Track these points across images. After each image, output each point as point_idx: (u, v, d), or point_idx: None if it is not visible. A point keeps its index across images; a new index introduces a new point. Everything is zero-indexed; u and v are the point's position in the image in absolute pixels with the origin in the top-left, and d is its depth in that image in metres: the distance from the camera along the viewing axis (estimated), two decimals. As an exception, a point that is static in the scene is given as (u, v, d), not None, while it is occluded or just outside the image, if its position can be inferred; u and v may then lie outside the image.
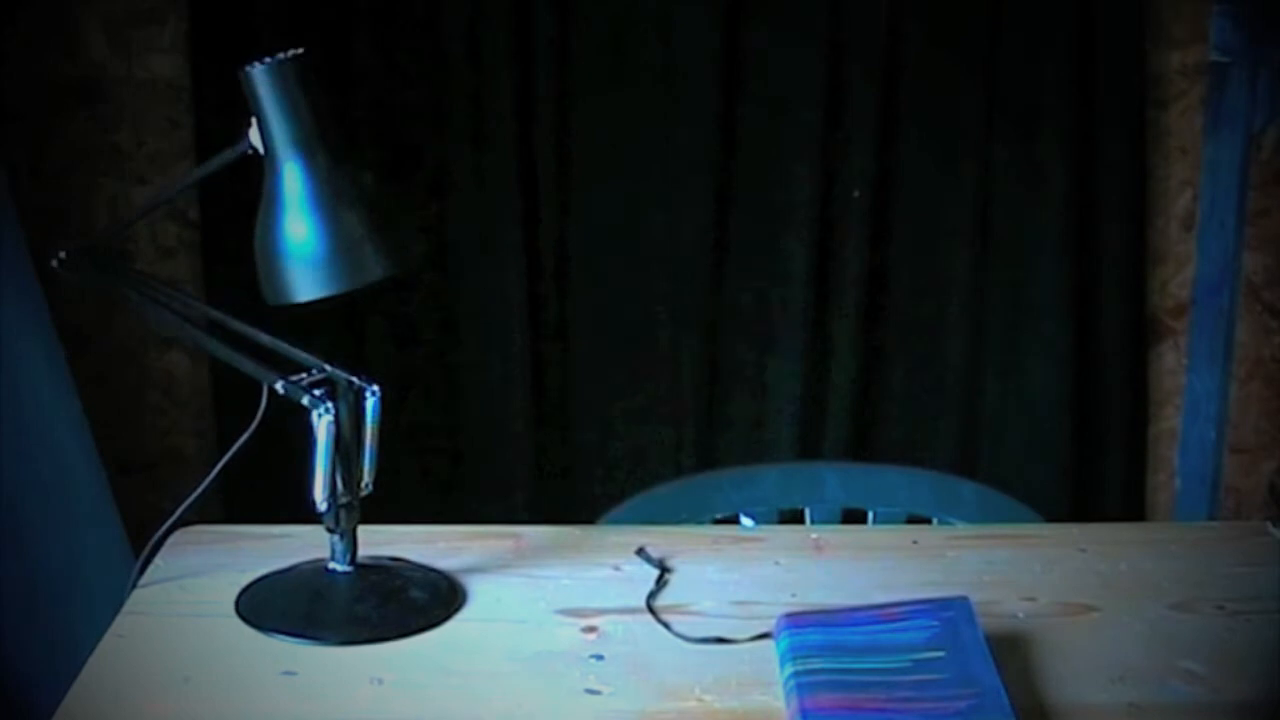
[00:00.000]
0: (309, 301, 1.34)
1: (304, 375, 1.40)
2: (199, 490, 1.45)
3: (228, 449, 1.44)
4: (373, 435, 1.44)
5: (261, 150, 1.34)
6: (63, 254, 1.40)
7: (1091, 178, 2.51)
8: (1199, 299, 2.64)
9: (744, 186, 2.51)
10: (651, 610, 1.43)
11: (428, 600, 1.44)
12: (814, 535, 1.63)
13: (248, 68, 1.31)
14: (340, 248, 1.34)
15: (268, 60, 1.31)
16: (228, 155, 1.37)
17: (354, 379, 1.42)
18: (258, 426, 1.40)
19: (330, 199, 1.34)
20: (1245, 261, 2.61)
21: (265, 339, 1.44)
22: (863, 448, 2.59)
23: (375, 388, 1.43)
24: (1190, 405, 2.68)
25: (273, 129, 1.33)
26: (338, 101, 2.42)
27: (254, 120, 1.33)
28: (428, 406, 2.54)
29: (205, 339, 1.44)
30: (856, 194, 2.50)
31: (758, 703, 1.28)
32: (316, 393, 1.38)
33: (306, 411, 1.38)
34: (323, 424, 1.37)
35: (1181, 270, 2.63)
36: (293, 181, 1.34)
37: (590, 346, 2.56)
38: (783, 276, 2.53)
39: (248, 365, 1.39)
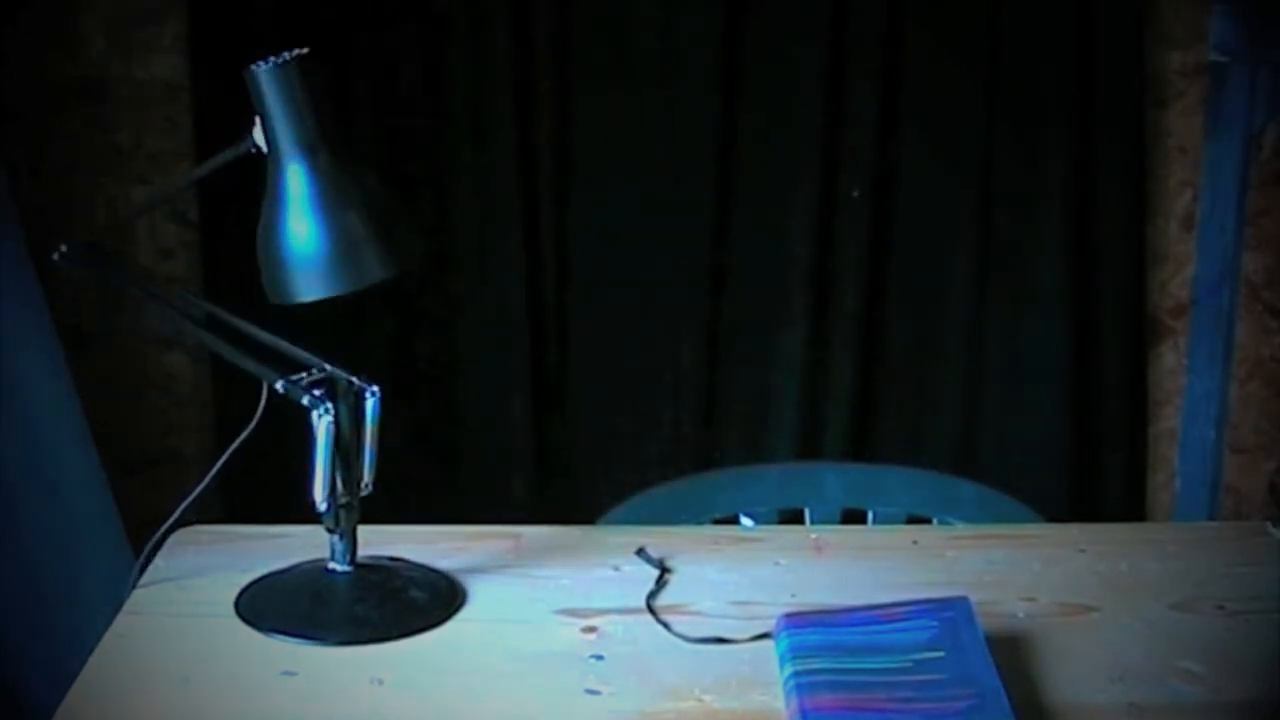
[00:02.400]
0: (310, 302, 1.34)
1: (304, 375, 1.40)
2: (198, 489, 1.45)
3: (228, 449, 1.44)
4: (372, 435, 1.44)
5: (265, 149, 1.34)
6: (64, 247, 1.40)
7: (1091, 178, 2.51)
8: (1199, 299, 2.64)
9: (744, 186, 2.51)
10: (651, 610, 1.43)
11: (428, 600, 1.44)
12: (814, 535, 1.63)
13: (252, 67, 1.31)
14: (342, 248, 1.34)
15: (272, 60, 1.31)
16: (231, 153, 1.37)
17: (354, 379, 1.42)
18: (257, 426, 1.40)
19: (333, 199, 1.34)
20: (1245, 261, 2.61)
21: (265, 337, 1.44)
22: (863, 448, 2.59)
23: (375, 388, 1.43)
24: (1190, 405, 2.68)
25: (276, 128, 1.33)
26: (340, 101, 2.42)
27: (257, 119, 1.33)
28: (427, 406, 2.54)
29: (205, 336, 1.44)
30: (856, 194, 2.50)
31: (758, 703, 1.28)
32: (316, 393, 1.38)
33: (306, 411, 1.38)
34: (322, 424, 1.37)
35: (1181, 270, 2.63)
36: (296, 181, 1.34)
37: (590, 346, 2.56)
38: (783, 276, 2.53)
39: (247, 363, 1.39)
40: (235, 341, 1.42)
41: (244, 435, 1.39)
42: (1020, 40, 2.46)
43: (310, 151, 1.33)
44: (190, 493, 1.46)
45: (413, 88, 2.44)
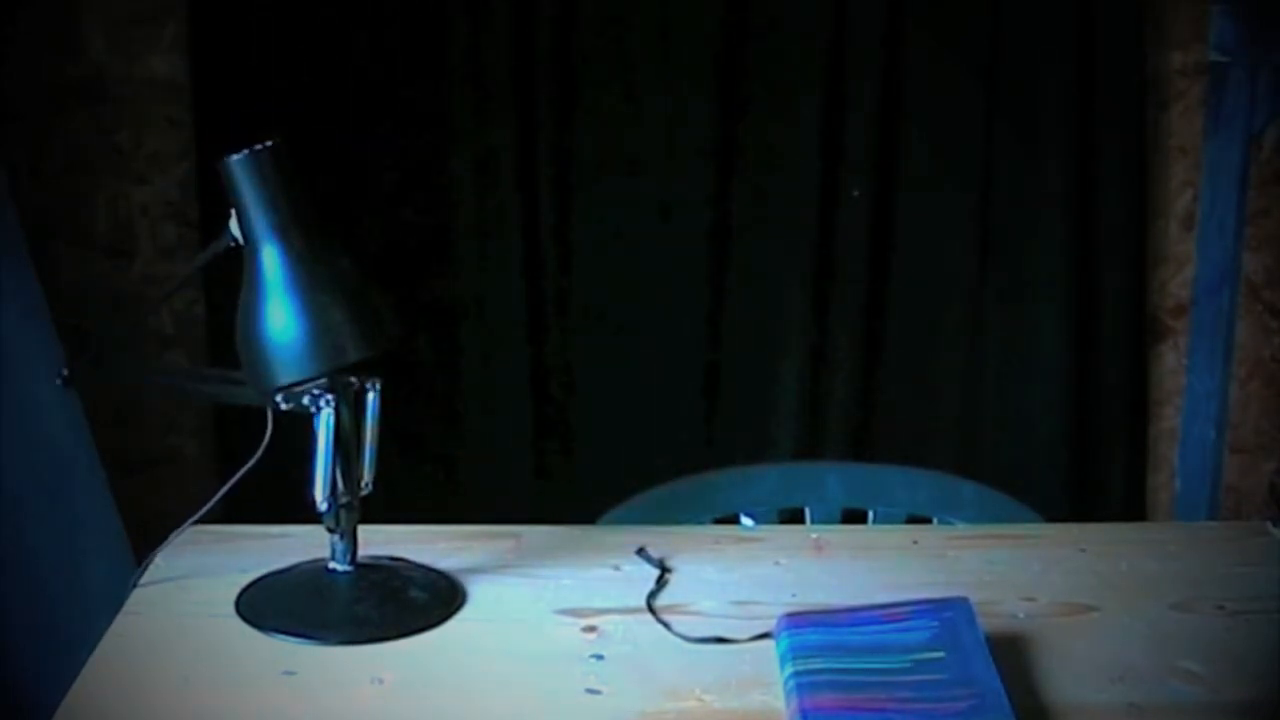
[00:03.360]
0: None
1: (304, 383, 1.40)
2: (206, 508, 1.45)
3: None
4: (373, 433, 1.44)
5: (242, 241, 1.37)
6: (65, 372, 1.45)
7: (1091, 178, 2.52)
8: (1199, 299, 2.64)
9: (743, 186, 2.51)
10: (652, 610, 1.43)
11: (428, 600, 1.44)
12: (814, 535, 1.63)
13: (226, 159, 1.35)
14: (319, 331, 1.36)
15: (244, 151, 1.34)
16: (213, 248, 1.41)
17: (354, 380, 1.42)
18: (258, 427, 1.40)
19: (308, 284, 1.36)
20: (1245, 261, 2.61)
21: None
22: (863, 448, 2.59)
23: (375, 380, 1.43)
24: (1190, 405, 2.68)
25: (251, 216, 1.37)
26: (339, 101, 2.42)
27: (233, 213, 1.37)
28: (427, 407, 2.54)
29: (212, 393, 1.44)
30: (856, 194, 2.50)
31: (758, 703, 1.28)
32: (316, 390, 1.38)
33: (307, 414, 1.38)
34: (324, 418, 1.37)
35: (1181, 270, 2.64)
36: (271, 267, 1.36)
37: (590, 345, 2.56)
38: (783, 276, 2.53)
39: (252, 397, 1.40)
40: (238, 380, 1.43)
41: (254, 460, 1.39)
42: (1020, 40, 2.46)
43: (284, 236, 1.36)
44: (195, 499, 1.46)
45: (412, 88, 2.44)
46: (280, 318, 1.36)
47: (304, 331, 1.35)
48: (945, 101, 2.49)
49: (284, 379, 1.36)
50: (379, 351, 1.37)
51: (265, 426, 1.40)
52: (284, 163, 1.36)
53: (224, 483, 1.45)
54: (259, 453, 1.39)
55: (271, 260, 1.36)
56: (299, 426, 1.39)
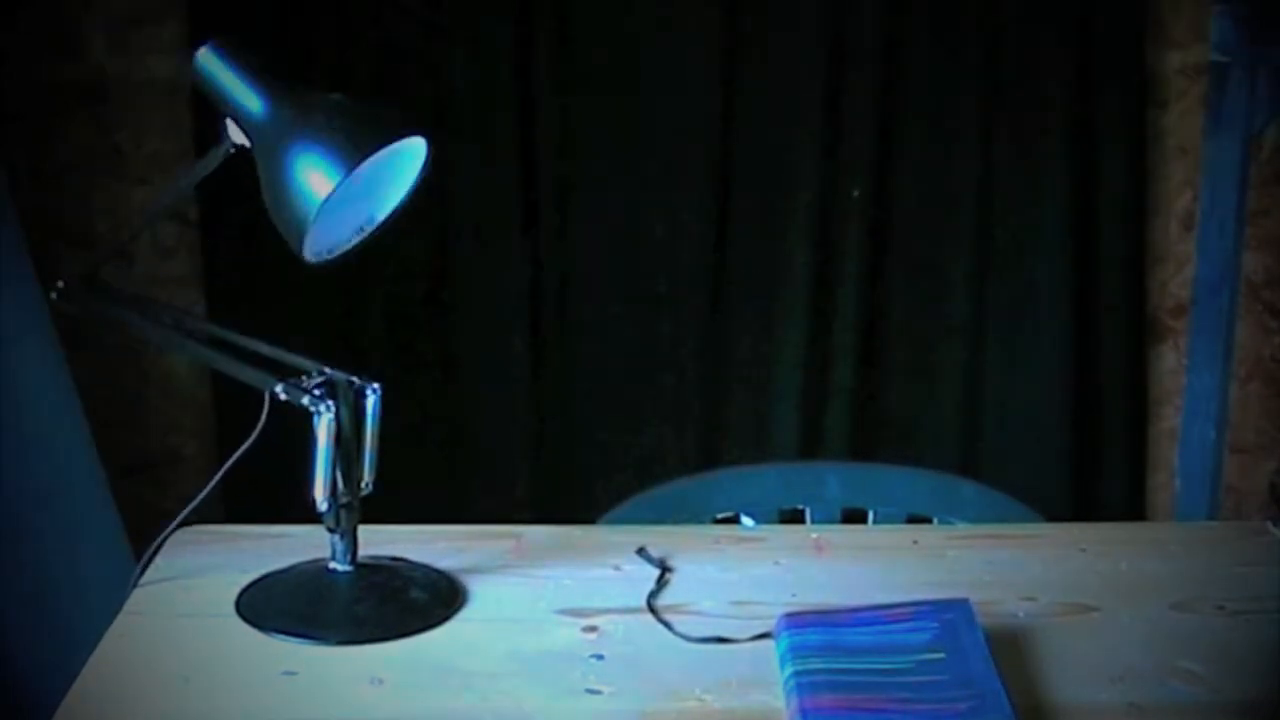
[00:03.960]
0: (331, 201, 1.32)
1: (304, 378, 1.40)
2: (200, 496, 1.45)
3: (227, 449, 1.44)
4: (373, 434, 1.44)
5: (245, 142, 1.35)
6: (60, 283, 1.42)
7: (1091, 178, 2.52)
8: (1199, 299, 2.64)
9: (744, 186, 2.51)
10: (652, 610, 1.43)
11: (428, 600, 1.44)
12: (814, 535, 1.63)
13: (199, 55, 1.36)
14: (339, 128, 1.34)
15: (209, 43, 1.38)
16: (214, 157, 1.38)
17: (354, 379, 1.42)
18: (258, 430, 1.40)
19: (313, 110, 1.35)
20: (1245, 261, 2.61)
21: (265, 349, 1.45)
22: (863, 448, 2.59)
23: (376, 385, 1.43)
24: (1190, 405, 2.68)
25: (234, 98, 1.35)
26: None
27: (227, 120, 1.35)
28: (427, 406, 2.54)
29: (206, 353, 1.44)
30: (856, 194, 2.50)
31: (758, 703, 1.28)
32: (317, 392, 1.38)
33: (307, 412, 1.38)
34: (323, 423, 1.37)
35: (1181, 270, 2.64)
36: (279, 118, 1.35)
37: (591, 345, 2.56)
38: (783, 276, 2.53)
39: (249, 374, 1.39)
40: (236, 353, 1.42)
41: (247, 444, 1.39)
42: (1020, 40, 2.46)
43: (268, 92, 1.35)
44: (193, 495, 1.46)
45: (412, 88, 2.44)
46: (302, 152, 1.33)
47: (326, 134, 1.33)
48: (945, 101, 2.49)
49: (323, 191, 1.31)
50: (403, 133, 1.36)
51: (265, 428, 1.40)
52: (247, 49, 1.39)
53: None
54: (255, 434, 1.38)
55: (277, 112, 1.35)
56: (300, 427, 1.39)
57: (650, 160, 2.50)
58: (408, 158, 1.40)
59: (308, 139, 1.33)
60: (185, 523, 1.50)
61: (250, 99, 1.36)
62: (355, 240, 1.40)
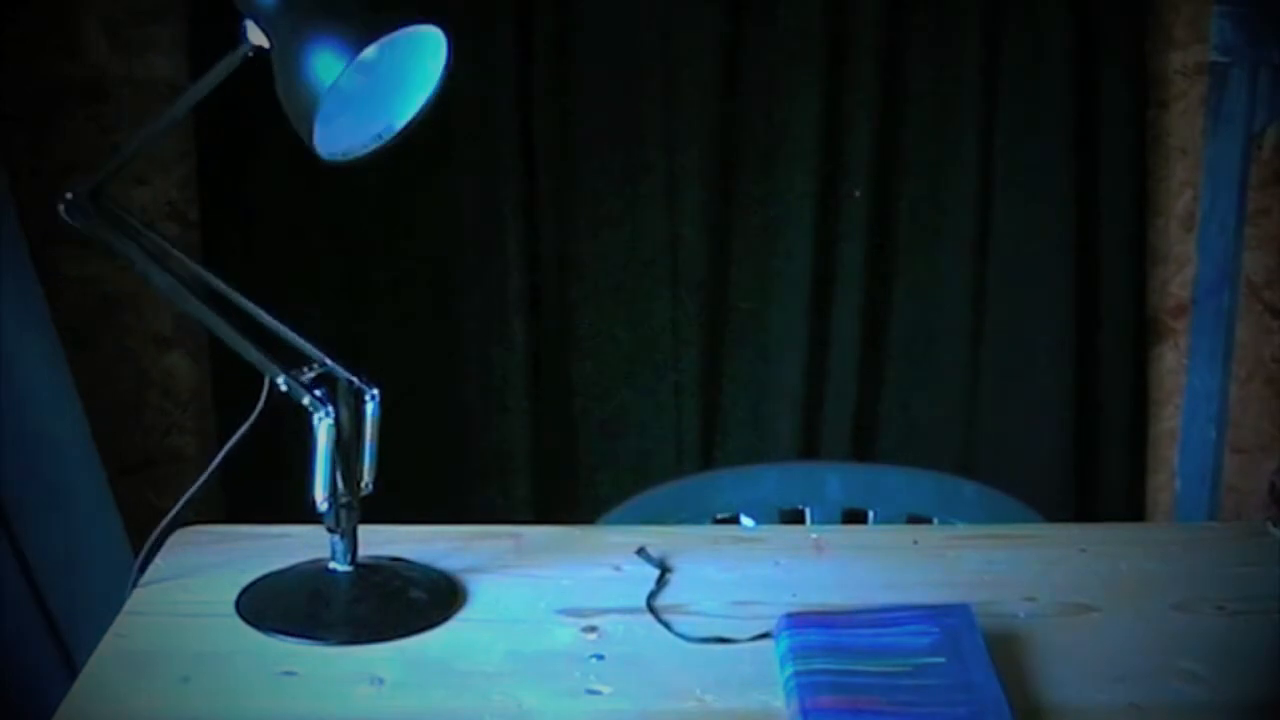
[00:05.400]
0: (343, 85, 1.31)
1: (305, 369, 1.40)
2: (197, 484, 1.45)
3: (227, 443, 1.43)
4: (372, 436, 1.44)
5: (264, 43, 1.35)
6: (69, 194, 1.38)
7: (1092, 178, 2.51)
8: (1199, 299, 2.64)
9: (744, 186, 2.51)
10: (652, 610, 1.43)
11: (428, 600, 1.44)
12: (814, 535, 1.63)
13: None
14: (351, 13, 1.32)
15: None
16: (231, 60, 1.38)
17: (354, 379, 1.42)
18: (258, 426, 1.40)
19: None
20: (1245, 261, 2.61)
21: (268, 320, 1.44)
22: (863, 448, 2.59)
23: (375, 391, 1.43)
24: (1190, 405, 2.68)
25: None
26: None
27: (248, 22, 1.35)
28: (427, 405, 2.54)
29: (205, 312, 1.42)
30: (857, 194, 2.50)
31: (758, 703, 1.28)
32: (317, 393, 1.38)
33: (307, 411, 1.38)
34: (323, 426, 1.37)
35: (1181, 270, 2.64)
36: (289, 11, 1.34)
37: (591, 346, 2.56)
38: (783, 276, 2.53)
39: (250, 353, 1.39)
40: (235, 321, 1.41)
41: (244, 428, 1.39)
42: (1020, 40, 2.46)
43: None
44: (195, 504, 1.46)
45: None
46: (313, 37, 1.32)
47: (336, 19, 1.32)
48: (945, 101, 2.49)
49: (334, 72, 1.30)
50: (410, 24, 1.33)
51: (266, 427, 1.40)
52: None
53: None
54: (252, 417, 1.38)
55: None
56: (300, 425, 1.39)
57: (650, 159, 2.50)
58: (427, 65, 1.38)
59: (318, 25, 1.32)
60: (183, 519, 1.50)
61: None
62: (372, 146, 1.39)
